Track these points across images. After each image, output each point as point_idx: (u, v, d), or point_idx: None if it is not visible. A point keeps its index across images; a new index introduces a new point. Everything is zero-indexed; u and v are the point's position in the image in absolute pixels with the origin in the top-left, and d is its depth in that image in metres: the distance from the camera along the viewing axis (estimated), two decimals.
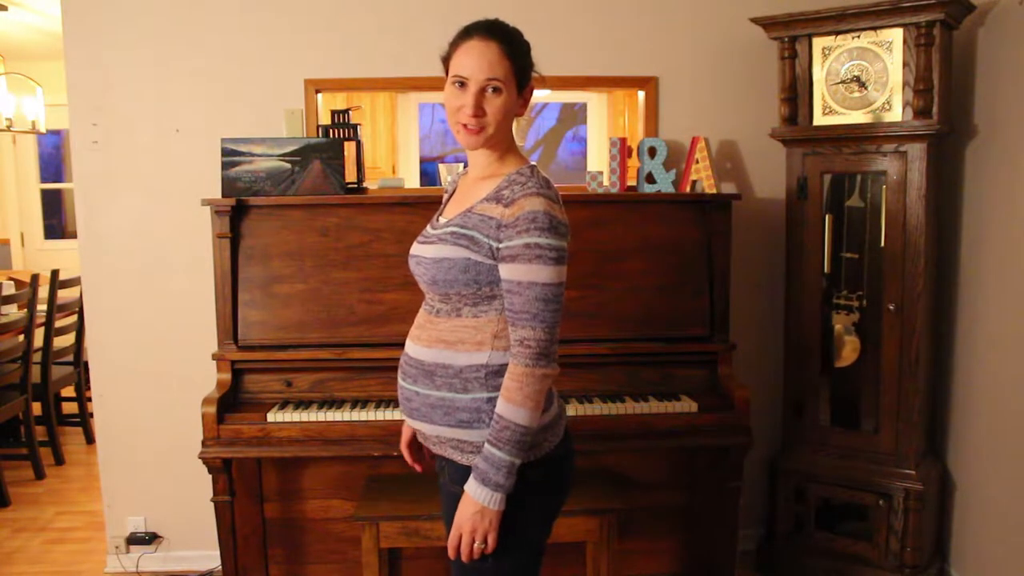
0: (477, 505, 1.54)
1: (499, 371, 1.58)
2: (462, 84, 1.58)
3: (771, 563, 2.98)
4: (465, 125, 1.58)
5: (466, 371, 1.59)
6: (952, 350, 2.88)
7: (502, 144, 1.64)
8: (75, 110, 2.96)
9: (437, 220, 1.71)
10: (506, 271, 1.55)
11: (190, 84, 2.97)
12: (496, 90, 1.57)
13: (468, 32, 1.60)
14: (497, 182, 1.61)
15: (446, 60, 1.64)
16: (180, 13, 2.94)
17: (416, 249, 1.69)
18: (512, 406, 1.52)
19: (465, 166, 1.78)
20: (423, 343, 1.66)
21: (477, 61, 1.56)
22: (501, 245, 1.54)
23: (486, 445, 1.54)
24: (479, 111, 1.57)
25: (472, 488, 1.55)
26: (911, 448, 2.72)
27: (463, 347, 1.60)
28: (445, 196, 1.84)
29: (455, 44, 1.61)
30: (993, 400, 2.67)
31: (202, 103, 2.98)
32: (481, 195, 1.61)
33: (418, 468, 1.88)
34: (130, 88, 2.96)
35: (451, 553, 1.61)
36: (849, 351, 2.87)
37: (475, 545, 1.56)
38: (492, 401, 1.57)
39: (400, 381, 1.71)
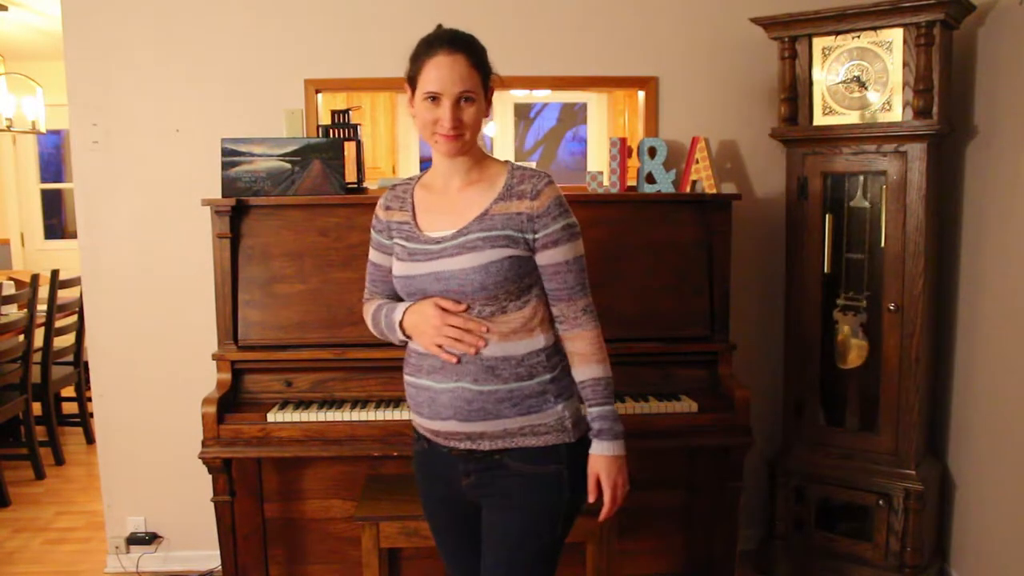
0: (617, 460, 1.71)
1: (554, 350, 1.72)
2: (435, 99, 1.63)
3: (771, 563, 2.98)
4: (444, 135, 1.64)
5: (528, 358, 1.68)
6: (952, 350, 2.88)
7: (477, 148, 1.72)
8: (75, 110, 2.96)
9: (422, 233, 1.70)
10: (552, 255, 1.68)
11: (190, 84, 2.97)
12: (469, 100, 1.63)
13: (431, 46, 1.64)
14: (495, 182, 1.70)
15: (412, 77, 1.67)
16: (180, 13, 2.94)
17: (432, 267, 1.67)
18: (601, 365, 1.71)
19: (414, 179, 1.82)
20: None
21: (448, 75, 1.61)
22: (538, 235, 1.67)
23: (595, 408, 1.70)
24: (457, 123, 1.63)
25: (605, 448, 1.70)
26: (911, 448, 2.72)
27: (517, 336, 1.68)
28: (396, 212, 1.77)
29: (420, 60, 1.64)
30: (993, 400, 2.67)
31: (202, 103, 2.98)
32: (487, 198, 1.68)
33: None
34: (130, 88, 2.96)
35: (612, 511, 1.73)
36: (855, 356, 2.85)
37: (614, 500, 1.72)
38: (554, 380, 1.70)
39: (444, 385, 1.67)
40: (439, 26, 1.72)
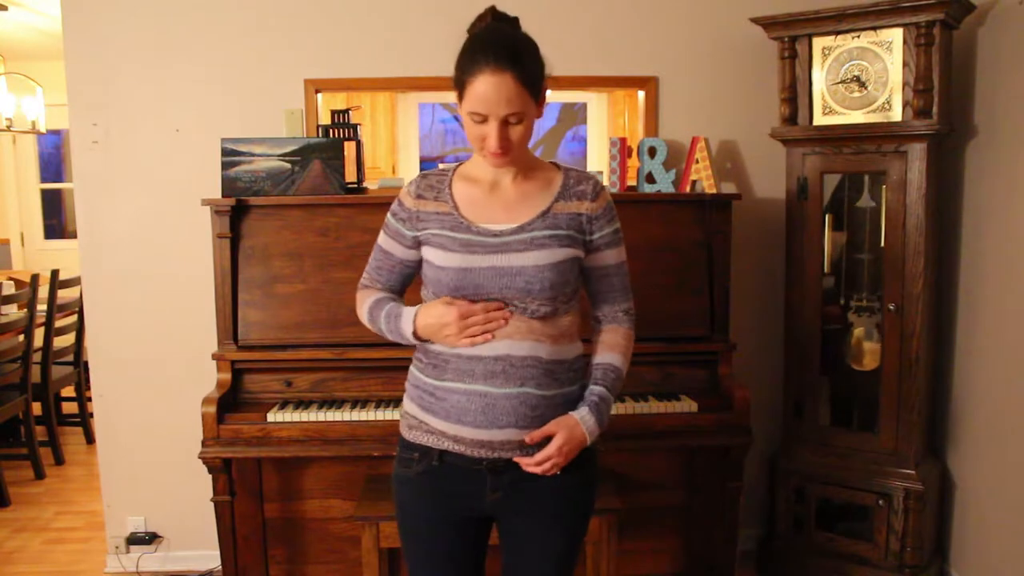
0: (583, 441, 1.63)
1: (586, 360, 1.72)
2: (482, 117, 1.54)
3: (771, 563, 2.98)
4: (492, 153, 1.57)
5: (575, 363, 1.68)
6: (952, 350, 2.88)
7: (527, 149, 1.67)
8: (75, 110, 2.96)
9: (475, 224, 1.61)
10: (603, 257, 1.70)
11: (190, 84, 2.97)
12: (518, 119, 1.55)
13: (476, 59, 1.51)
14: (551, 181, 1.67)
15: (459, 86, 1.56)
16: (180, 13, 2.94)
17: (495, 260, 1.59)
18: (623, 358, 1.73)
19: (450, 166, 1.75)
20: (533, 340, 1.61)
21: (495, 97, 1.51)
22: (594, 236, 1.67)
23: (600, 388, 1.67)
24: (505, 143, 1.55)
25: (587, 423, 1.63)
26: (911, 448, 2.72)
27: (566, 340, 1.67)
28: (429, 202, 1.68)
29: (466, 73, 1.53)
30: (993, 400, 2.67)
31: (202, 103, 2.98)
32: (546, 196, 1.65)
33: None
34: (130, 88, 2.96)
35: (533, 466, 1.61)
36: (869, 360, 2.84)
37: (554, 464, 1.61)
38: (584, 387, 1.69)
39: (506, 390, 1.59)
40: (487, 11, 1.62)
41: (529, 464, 1.61)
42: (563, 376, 1.64)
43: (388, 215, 1.74)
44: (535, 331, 1.61)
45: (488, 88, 1.51)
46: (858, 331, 2.87)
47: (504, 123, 1.54)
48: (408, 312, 1.66)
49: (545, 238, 1.60)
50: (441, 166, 1.77)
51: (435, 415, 1.63)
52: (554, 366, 1.62)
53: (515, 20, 1.65)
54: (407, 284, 1.79)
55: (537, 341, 1.60)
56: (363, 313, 1.77)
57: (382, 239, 1.76)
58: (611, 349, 1.72)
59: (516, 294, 1.59)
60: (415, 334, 1.65)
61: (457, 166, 1.72)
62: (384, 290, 1.77)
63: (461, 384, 1.60)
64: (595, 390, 1.67)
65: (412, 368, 1.72)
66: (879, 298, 2.81)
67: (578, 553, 1.75)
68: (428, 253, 1.65)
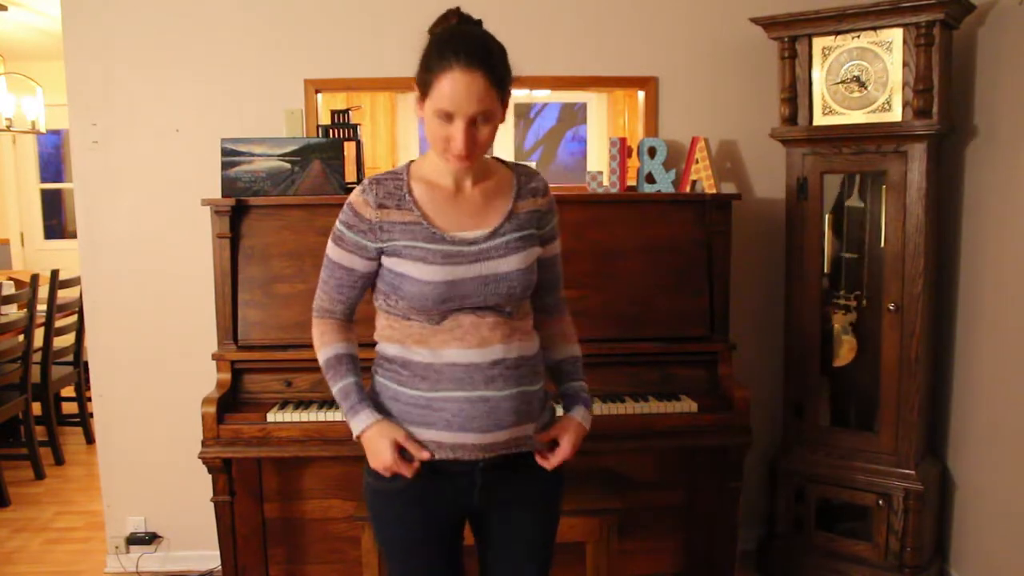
0: (585, 431, 1.74)
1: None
2: (448, 116, 1.49)
3: (771, 563, 2.98)
4: (455, 156, 1.53)
5: (539, 355, 1.71)
6: (952, 350, 2.88)
7: None
8: (75, 110, 2.96)
9: (448, 234, 1.57)
10: (553, 248, 1.75)
11: (190, 84, 2.97)
12: (485, 120, 1.51)
13: (444, 56, 1.47)
14: (506, 180, 1.67)
15: (424, 84, 1.52)
16: (180, 13, 2.94)
17: (479, 269, 1.57)
18: (578, 345, 1.82)
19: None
20: (517, 340, 1.62)
21: (465, 95, 1.47)
22: (545, 230, 1.71)
23: (578, 383, 1.78)
24: (470, 145, 1.51)
25: (584, 415, 1.74)
26: (911, 448, 2.72)
27: (533, 335, 1.71)
28: (392, 211, 1.60)
29: (433, 70, 1.49)
30: (993, 400, 2.67)
31: (202, 103, 2.98)
32: (507, 196, 1.65)
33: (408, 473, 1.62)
34: (130, 88, 2.96)
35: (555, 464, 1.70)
36: (846, 351, 2.86)
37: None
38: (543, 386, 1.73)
39: (507, 391, 1.59)
40: (450, 12, 1.58)
41: (548, 465, 1.69)
42: (540, 368, 1.70)
43: (341, 228, 1.63)
44: (516, 331, 1.63)
45: (458, 86, 1.46)
46: (836, 327, 2.88)
47: (471, 123, 1.50)
48: (363, 418, 1.61)
49: (517, 240, 1.61)
50: (390, 169, 1.68)
51: (431, 427, 1.58)
52: (534, 361, 1.67)
53: (479, 22, 1.61)
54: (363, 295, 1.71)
55: (520, 341, 1.63)
56: (320, 355, 1.69)
57: (338, 255, 1.64)
58: (567, 340, 1.80)
59: (499, 299, 1.58)
60: (356, 436, 1.63)
61: (408, 167, 1.65)
62: (346, 309, 1.69)
63: (462, 392, 1.56)
64: (576, 385, 1.77)
65: (383, 382, 1.64)
66: (860, 296, 2.82)
67: (555, 536, 1.81)
68: (401, 266, 1.57)
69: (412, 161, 1.68)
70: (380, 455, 1.59)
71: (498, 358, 1.58)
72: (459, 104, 1.48)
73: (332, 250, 1.66)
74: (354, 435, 1.64)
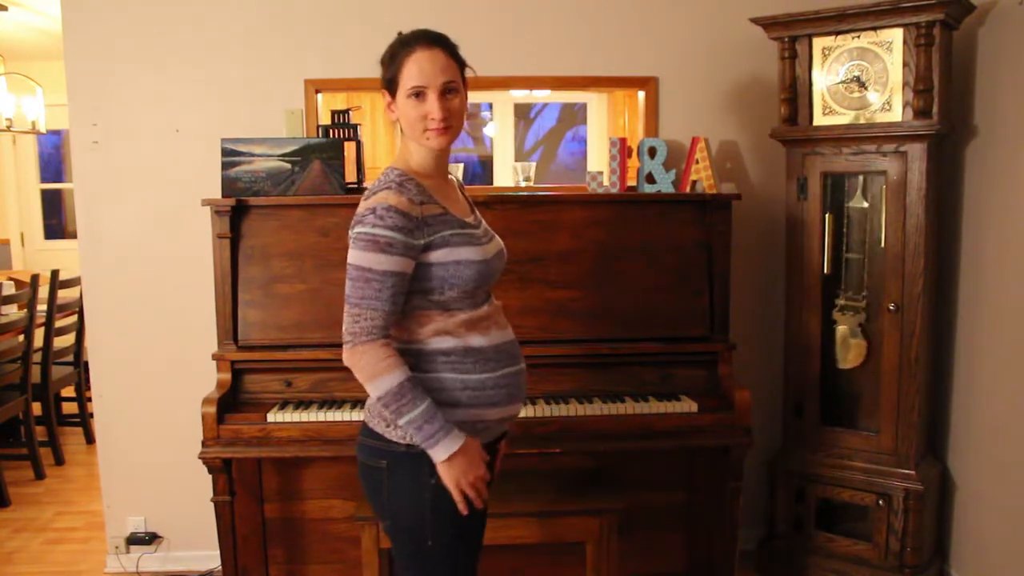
0: None
1: None
2: (419, 94, 1.65)
3: (771, 563, 2.98)
4: (435, 129, 1.66)
5: None
6: (952, 350, 2.88)
7: None
8: (75, 110, 2.96)
9: (463, 219, 1.75)
10: None
11: (190, 84, 2.97)
12: (453, 91, 1.67)
13: (407, 45, 1.66)
14: (454, 178, 1.86)
15: (391, 79, 1.68)
16: (180, 13, 2.94)
17: (496, 247, 1.81)
18: None
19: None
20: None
21: (431, 68, 1.64)
22: None
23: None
24: (447, 114, 1.66)
25: None
26: (911, 448, 2.72)
27: None
28: (428, 205, 1.68)
29: (398, 59, 1.66)
30: (993, 400, 2.67)
31: (202, 103, 2.98)
32: (457, 186, 1.85)
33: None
34: (130, 88, 2.96)
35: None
36: (855, 355, 2.85)
37: None
38: None
39: (522, 367, 1.81)
40: (400, 33, 1.74)
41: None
42: None
43: (389, 234, 1.58)
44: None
45: (423, 62, 1.64)
46: (842, 329, 2.87)
47: (443, 95, 1.65)
48: (457, 434, 1.63)
49: (487, 225, 1.85)
50: (389, 176, 1.69)
51: (498, 406, 1.72)
52: None
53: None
54: None
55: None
56: (386, 381, 1.60)
57: (390, 263, 1.58)
58: None
59: (500, 277, 1.82)
60: (442, 461, 1.63)
61: (400, 170, 1.70)
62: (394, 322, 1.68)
63: (515, 367, 1.76)
64: None
65: (447, 376, 1.68)
66: (865, 297, 2.82)
67: None
68: (456, 254, 1.65)
69: (392, 167, 1.72)
70: (479, 467, 1.67)
71: (513, 335, 1.81)
72: (428, 76, 1.64)
73: (379, 261, 1.58)
74: (445, 455, 1.62)
